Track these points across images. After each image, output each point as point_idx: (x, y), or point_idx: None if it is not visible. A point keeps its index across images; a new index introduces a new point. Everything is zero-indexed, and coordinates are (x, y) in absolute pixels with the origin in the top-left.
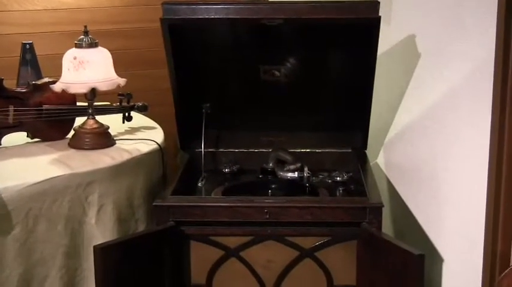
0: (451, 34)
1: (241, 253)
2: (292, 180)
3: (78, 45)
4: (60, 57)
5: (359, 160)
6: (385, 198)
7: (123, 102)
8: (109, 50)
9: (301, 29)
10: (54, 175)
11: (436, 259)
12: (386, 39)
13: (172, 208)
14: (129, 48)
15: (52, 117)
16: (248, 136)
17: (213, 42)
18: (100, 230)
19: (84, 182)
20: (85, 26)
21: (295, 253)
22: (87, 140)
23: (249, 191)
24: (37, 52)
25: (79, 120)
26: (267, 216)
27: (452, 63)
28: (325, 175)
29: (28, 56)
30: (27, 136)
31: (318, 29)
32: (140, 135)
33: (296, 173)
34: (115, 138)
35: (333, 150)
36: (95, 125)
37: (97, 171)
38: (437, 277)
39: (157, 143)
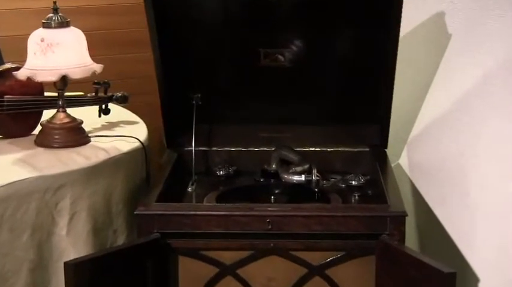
0: (485, 11)
1: (239, 271)
2: (299, 184)
3: (46, 25)
4: (24, 39)
5: (378, 160)
6: (408, 205)
7: (100, 92)
8: (83, 31)
9: (309, 5)
10: (18, 178)
11: (469, 277)
12: (409, 18)
13: (157, 217)
14: (106, 28)
15: (15, 110)
16: (246, 132)
17: (204, 21)
18: (72, 242)
19: (53, 186)
20: (54, 2)
21: (302, 270)
22: (56, 136)
23: (247, 198)
24: None
25: (47, 114)
26: (269, 226)
27: (486, 45)
28: (338, 178)
29: None
30: None
31: (330, 5)
32: (119, 131)
33: (303, 176)
34: (90, 134)
35: (346, 149)
36: (66, 120)
37: (68, 173)
38: None
39: (139, 141)
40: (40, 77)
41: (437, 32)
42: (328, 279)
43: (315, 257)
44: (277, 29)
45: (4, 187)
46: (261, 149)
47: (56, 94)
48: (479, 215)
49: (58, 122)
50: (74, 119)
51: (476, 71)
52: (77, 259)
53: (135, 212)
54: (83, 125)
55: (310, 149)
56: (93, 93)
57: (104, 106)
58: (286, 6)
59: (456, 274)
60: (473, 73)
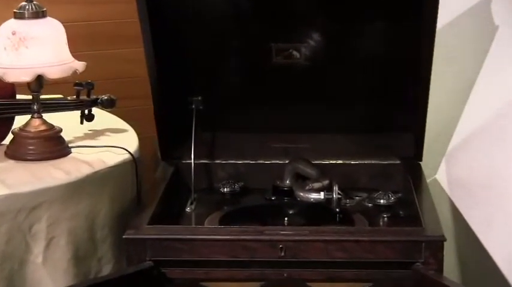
0: None
1: None
2: (317, 203)
3: (19, 15)
4: None
5: (411, 174)
6: (447, 229)
7: (82, 95)
8: (62, 22)
9: None
10: None
11: None
12: (447, 6)
13: (150, 242)
14: (90, 19)
15: None
16: (255, 142)
17: (205, 12)
18: (49, 272)
19: (27, 207)
20: None
21: None
22: (31, 147)
23: (256, 219)
24: None
25: (20, 120)
26: (283, 253)
27: None
28: (363, 196)
29: None
30: None
31: None
32: (105, 141)
33: (322, 193)
34: (70, 145)
35: (374, 161)
36: (43, 127)
37: (45, 191)
38: None
39: (129, 152)
40: (11, 77)
41: (481, 24)
42: None
43: None
44: (292, 20)
45: None
46: (273, 161)
47: (30, 97)
48: None
49: (33, 130)
50: (51, 127)
51: None
52: None
53: (123, 237)
54: (62, 134)
55: (331, 161)
56: (74, 96)
57: (86, 111)
58: None
59: None
60: None
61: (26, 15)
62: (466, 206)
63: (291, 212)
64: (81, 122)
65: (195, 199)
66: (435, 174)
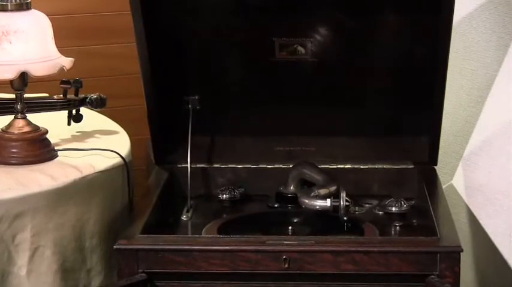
0: None
1: None
2: (324, 211)
3: (1, 8)
4: None
5: (425, 180)
6: (465, 239)
7: (69, 94)
8: (48, 14)
9: None
10: None
11: None
12: None
13: (143, 252)
14: (78, 12)
15: None
16: (256, 145)
17: (202, 2)
18: (34, 285)
19: (9, 214)
20: None
21: None
22: (14, 150)
23: (258, 228)
24: None
25: (2, 121)
26: (286, 265)
27: None
28: (374, 203)
29: None
30: None
31: None
32: (95, 144)
33: (328, 200)
34: (56, 147)
35: (385, 166)
36: (27, 129)
37: (29, 197)
38: None
39: (120, 156)
40: None
41: (502, 17)
42: None
43: None
44: (297, 12)
45: None
46: (276, 166)
47: (13, 96)
48: None
49: (16, 132)
50: (36, 128)
51: None
52: None
53: (114, 247)
54: (47, 136)
55: (339, 166)
56: (61, 95)
57: (74, 111)
58: None
59: None
60: None
61: (9, 7)
62: (485, 214)
63: (295, 220)
64: (69, 123)
65: (192, 206)
66: (451, 179)
